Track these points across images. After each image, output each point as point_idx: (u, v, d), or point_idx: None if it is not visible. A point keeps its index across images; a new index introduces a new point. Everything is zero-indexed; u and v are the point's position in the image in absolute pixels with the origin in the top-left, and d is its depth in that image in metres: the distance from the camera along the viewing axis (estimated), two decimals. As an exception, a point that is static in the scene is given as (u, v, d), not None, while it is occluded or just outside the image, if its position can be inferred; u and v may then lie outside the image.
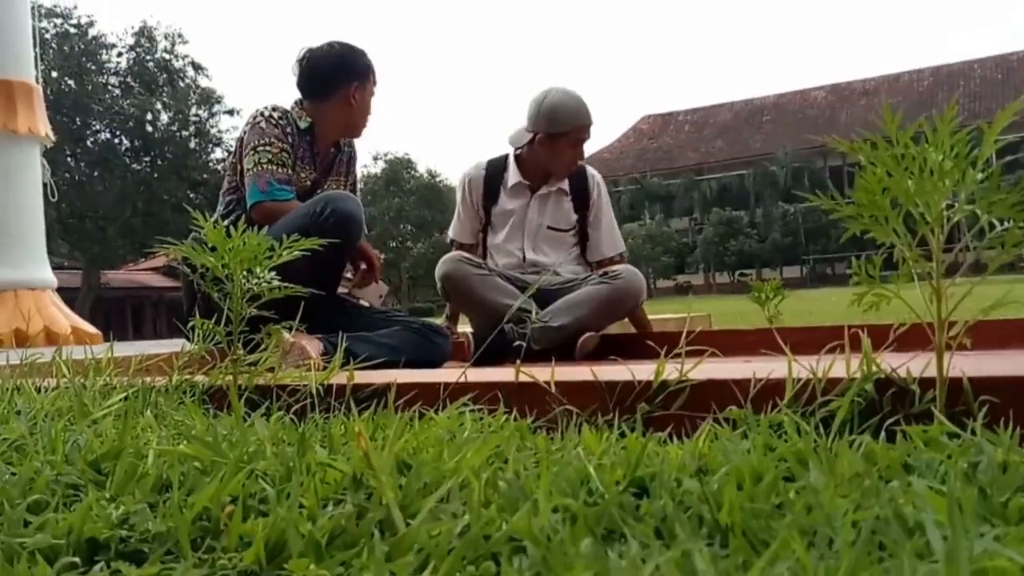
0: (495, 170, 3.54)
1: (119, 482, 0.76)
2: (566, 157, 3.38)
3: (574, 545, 0.50)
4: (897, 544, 0.52)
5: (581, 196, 3.52)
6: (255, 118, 2.99)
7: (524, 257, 3.49)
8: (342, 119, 3.09)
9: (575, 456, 0.73)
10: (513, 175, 3.50)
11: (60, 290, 5.95)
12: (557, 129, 3.32)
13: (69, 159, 29.82)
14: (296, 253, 1.61)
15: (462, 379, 1.45)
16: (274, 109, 3.00)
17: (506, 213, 3.51)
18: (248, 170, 2.90)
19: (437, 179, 42.04)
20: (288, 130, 2.98)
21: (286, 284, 1.60)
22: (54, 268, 6.03)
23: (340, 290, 3.06)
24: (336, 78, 3.06)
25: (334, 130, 3.10)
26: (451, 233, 3.64)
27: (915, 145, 1.13)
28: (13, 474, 0.82)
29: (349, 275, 3.12)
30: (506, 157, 3.55)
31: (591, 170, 3.59)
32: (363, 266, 3.08)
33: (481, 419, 1.16)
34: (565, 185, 3.50)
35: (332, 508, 0.65)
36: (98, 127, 30.69)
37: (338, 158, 3.20)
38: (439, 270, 3.34)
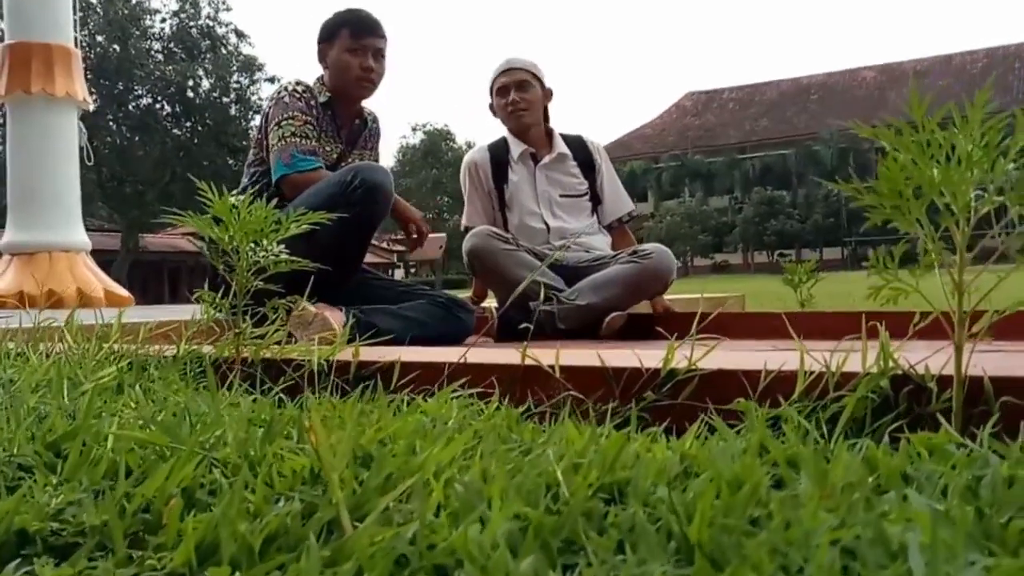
0: (498, 150, 3.66)
1: (71, 467, 0.71)
2: (504, 108, 3.59)
3: (517, 562, 0.46)
4: (880, 569, 0.48)
5: (587, 163, 3.69)
6: (279, 93, 3.00)
7: (548, 227, 3.49)
8: (329, 80, 3.07)
9: (544, 458, 0.68)
10: (516, 146, 3.62)
11: (99, 252, 6.00)
12: (492, 88, 3.63)
13: (111, 123, 30.17)
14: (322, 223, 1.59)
15: (467, 359, 1.41)
16: (297, 84, 3.02)
17: (518, 188, 3.58)
18: (273, 145, 2.90)
19: (476, 151, 42.13)
20: (312, 103, 2.97)
21: (294, 258, 1.58)
22: (93, 231, 6.08)
23: (395, 250, 3.06)
24: (318, 42, 3.10)
25: (334, 92, 3.07)
26: (465, 220, 3.67)
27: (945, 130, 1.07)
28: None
29: (386, 245, 3.12)
30: (503, 138, 3.69)
31: (589, 137, 3.80)
32: (414, 234, 3.06)
33: (471, 405, 1.12)
34: (564, 149, 3.66)
35: (284, 504, 0.62)
36: (140, 92, 30.98)
37: (364, 133, 3.19)
38: (466, 244, 3.32)
